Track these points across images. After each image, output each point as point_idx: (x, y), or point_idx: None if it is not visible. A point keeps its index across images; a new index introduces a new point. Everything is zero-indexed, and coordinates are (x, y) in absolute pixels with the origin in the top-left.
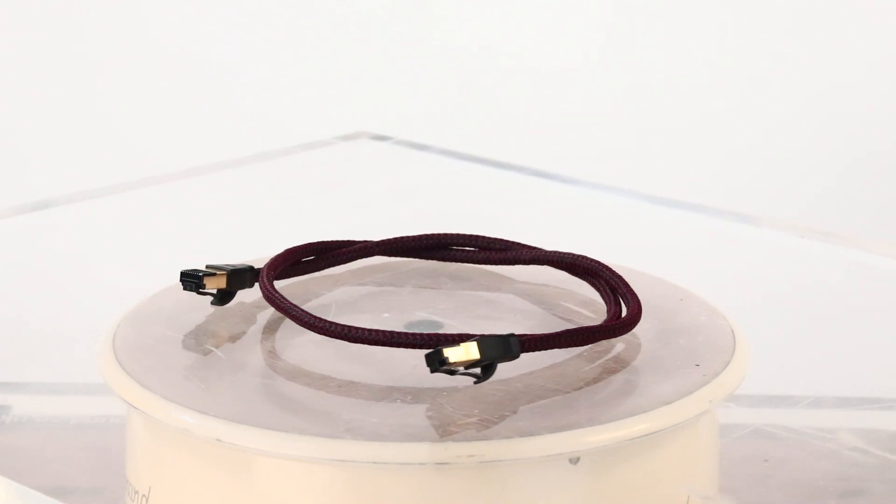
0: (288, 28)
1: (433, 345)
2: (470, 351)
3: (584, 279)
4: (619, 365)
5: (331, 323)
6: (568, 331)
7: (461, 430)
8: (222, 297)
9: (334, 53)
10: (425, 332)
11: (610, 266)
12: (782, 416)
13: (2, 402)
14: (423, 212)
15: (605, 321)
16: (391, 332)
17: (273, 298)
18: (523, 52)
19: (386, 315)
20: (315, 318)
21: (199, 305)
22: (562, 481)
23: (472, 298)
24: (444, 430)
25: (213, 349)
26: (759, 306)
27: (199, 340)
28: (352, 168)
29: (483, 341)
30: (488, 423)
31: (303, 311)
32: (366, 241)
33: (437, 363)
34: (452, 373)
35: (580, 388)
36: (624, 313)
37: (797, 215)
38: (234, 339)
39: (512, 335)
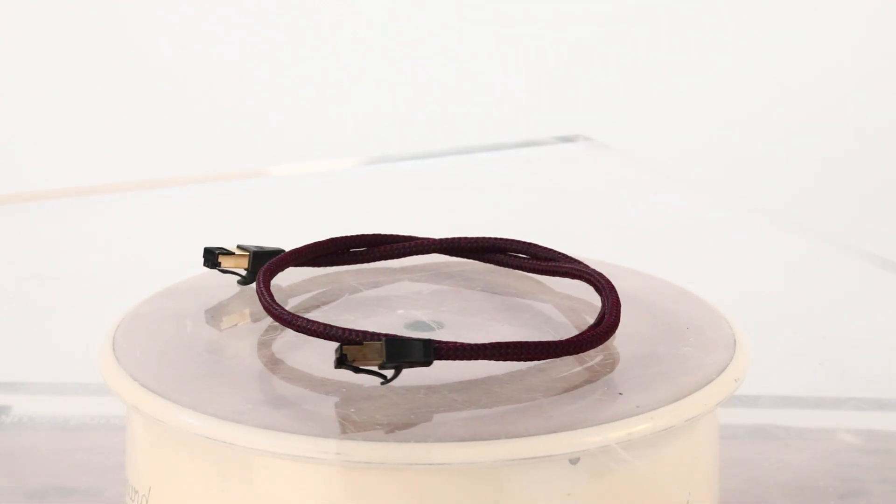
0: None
1: (344, 341)
2: (374, 351)
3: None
4: (618, 365)
5: (284, 311)
6: (497, 343)
7: (461, 430)
8: (247, 279)
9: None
10: (414, 334)
11: (611, 282)
12: (782, 416)
13: (2, 402)
14: (611, 217)
15: (557, 339)
16: (324, 325)
17: (259, 291)
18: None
19: (400, 312)
20: (275, 307)
21: (200, 305)
22: (562, 481)
23: (501, 303)
24: (444, 431)
25: (214, 349)
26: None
27: (199, 340)
28: (562, 169)
29: (390, 343)
30: (487, 423)
31: (271, 300)
32: (424, 238)
33: (338, 359)
34: (357, 370)
35: (580, 388)
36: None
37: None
38: (235, 338)
39: (428, 340)
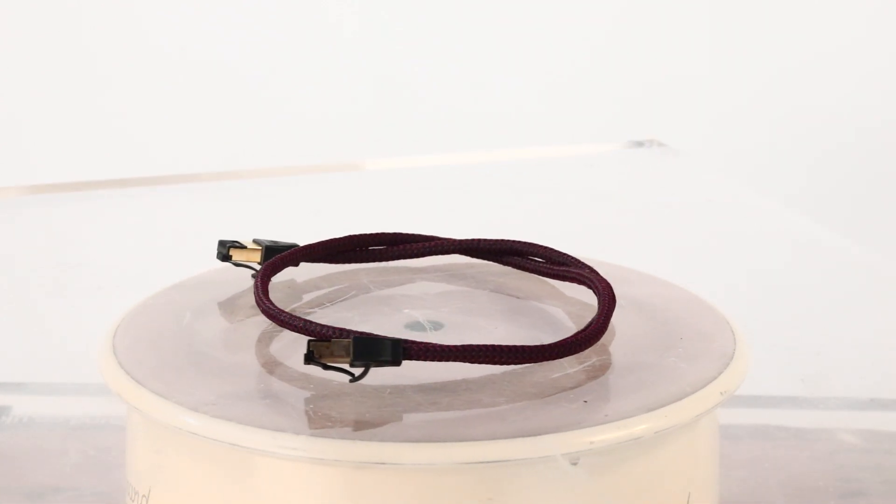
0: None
1: (318, 336)
2: (342, 348)
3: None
4: (618, 365)
5: (271, 306)
6: (468, 346)
7: (459, 430)
8: None
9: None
10: (412, 335)
11: (610, 290)
12: (782, 416)
13: (2, 403)
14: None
15: (534, 345)
16: (303, 321)
17: (255, 286)
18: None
19: (406, 311)
20: (264, 301)
21: (201, 305)
22: (562, 481)
23: (508, 306)
24: (442, 431)
25: (215, 349)
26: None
27: (200, 340)
28: (622, 172)
29: (358, 341)
30: (487, 424)
31: (262, 294)
32: (444, 239)
33: (305, 355)
34: (326, 367)
35: (579, 388)
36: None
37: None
38: (236, 338)
39: (398, 340)
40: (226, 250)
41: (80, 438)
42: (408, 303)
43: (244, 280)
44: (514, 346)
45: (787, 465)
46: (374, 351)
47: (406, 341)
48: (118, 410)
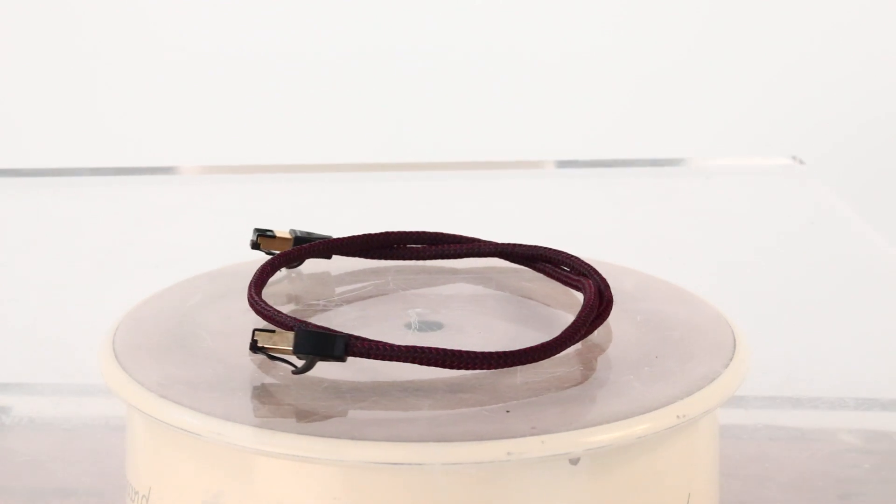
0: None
1: (283, 327)
2: (285, 339)
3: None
4: (618, 365)
5: (252, 296)
6: (413, 347)
7: (459, 430)
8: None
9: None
10: (409, 334)
11: (592, 303)
12: (782, 416)
13: (2, 404)
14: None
15: (481, 351)
16: (274, 311)
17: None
18: None
19: (419, 310)
20: (250, 292)
21: (202, 305)
22: (562, 481)
23: (520, 312)
24: (443, 431)
25: (216, 349)
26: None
27: (200, 340)
28: (738, 188)
29: (300, 333)
30: (487, 423)
31: (250, 284)
32: (482, 241)
33: (251, 343)
34: (272, 358)
35: (578, 387)
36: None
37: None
38: (236, 338)
39: (344, 336)
40: (254, 240)
41: (80, 438)
42: (420, 303)
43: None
44: (460, 352)
45: (787, 465)
46: (316, 344)
47: (351, 338)
48: (118, 410)
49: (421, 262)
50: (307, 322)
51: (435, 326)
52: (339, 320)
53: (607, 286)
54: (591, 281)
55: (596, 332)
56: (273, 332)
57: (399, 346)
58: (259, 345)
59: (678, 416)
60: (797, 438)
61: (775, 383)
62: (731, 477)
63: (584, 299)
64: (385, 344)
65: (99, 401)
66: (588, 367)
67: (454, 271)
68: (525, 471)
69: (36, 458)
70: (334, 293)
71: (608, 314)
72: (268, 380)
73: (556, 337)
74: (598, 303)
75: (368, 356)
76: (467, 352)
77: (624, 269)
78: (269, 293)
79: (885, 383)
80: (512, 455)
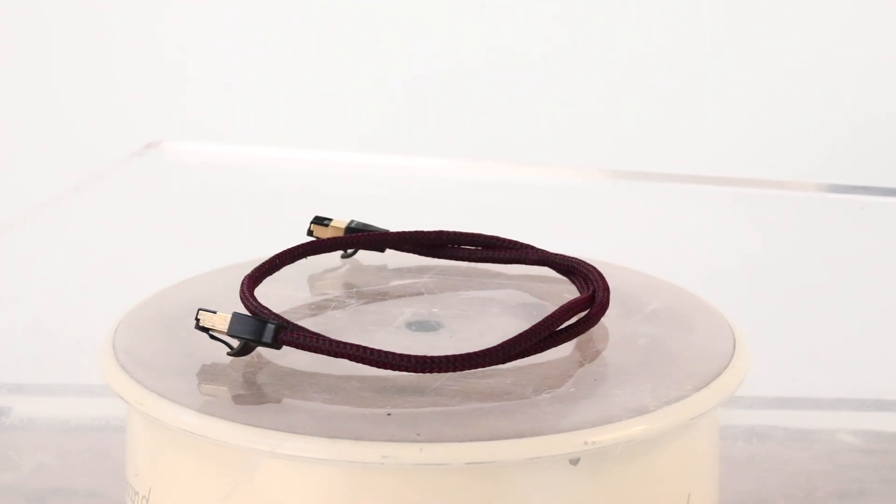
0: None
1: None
2: (222, 321)
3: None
4: (618, 365)
5: (246, 296)
6: (344, 342)
7: (459, 430)
8: (347, 253)
9: None
10: (408, 333)
11: (566, 312)
12: (782, 417)
13: (2, 404)
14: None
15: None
16: (257, 305)
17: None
18: None
19: (434, 310)
20: (245, 293)
21: (203, 302)
22: (562, 481)
23: (530, 318)
24: (442, 431)
25: (216, 348)
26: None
27: (200, 340)
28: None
29: (235, 318)
30: (486, 423)
31: (246, 294)
32: (534, 250)
33: (195, 321)
34: (213, 338)
35: (578, 387)
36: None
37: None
38: None
39: (278, 324)
40: (309, 228)
41: (80, 438)
42: (437, 303)
43: (338, 259)
44: (386, 352)
45: (787, 465)
46: (250, 329)
47: (284, 326)
48: (118, 410)
49: (467, 264)
50: (270, 310)
51: (433, 327)
52: (339, 314)
53: (606, 289)
54: (588, 284)
55: (595, 332)
56: (215, 313)
57: (332, 340)
58: (200, 324)
59: (678, 417)
60: (797, 438)
61: (775, 383)
62: (731, 477)
63: (564, 304)
64: (318, 336)
65: (99, 401)
66: (587, 366)
67: (497, 275)
68: (525, 471)
69: (35, 458)
70: (369, 286)
71: (598, 320)
72: (269, 380)
73: (499, 344)
74: (574, 308)
75: (299, 347)
76: (393, 353)
77: (623, 268)
78: (299, 281)
79: (885, 383)
80: (512, 455)
